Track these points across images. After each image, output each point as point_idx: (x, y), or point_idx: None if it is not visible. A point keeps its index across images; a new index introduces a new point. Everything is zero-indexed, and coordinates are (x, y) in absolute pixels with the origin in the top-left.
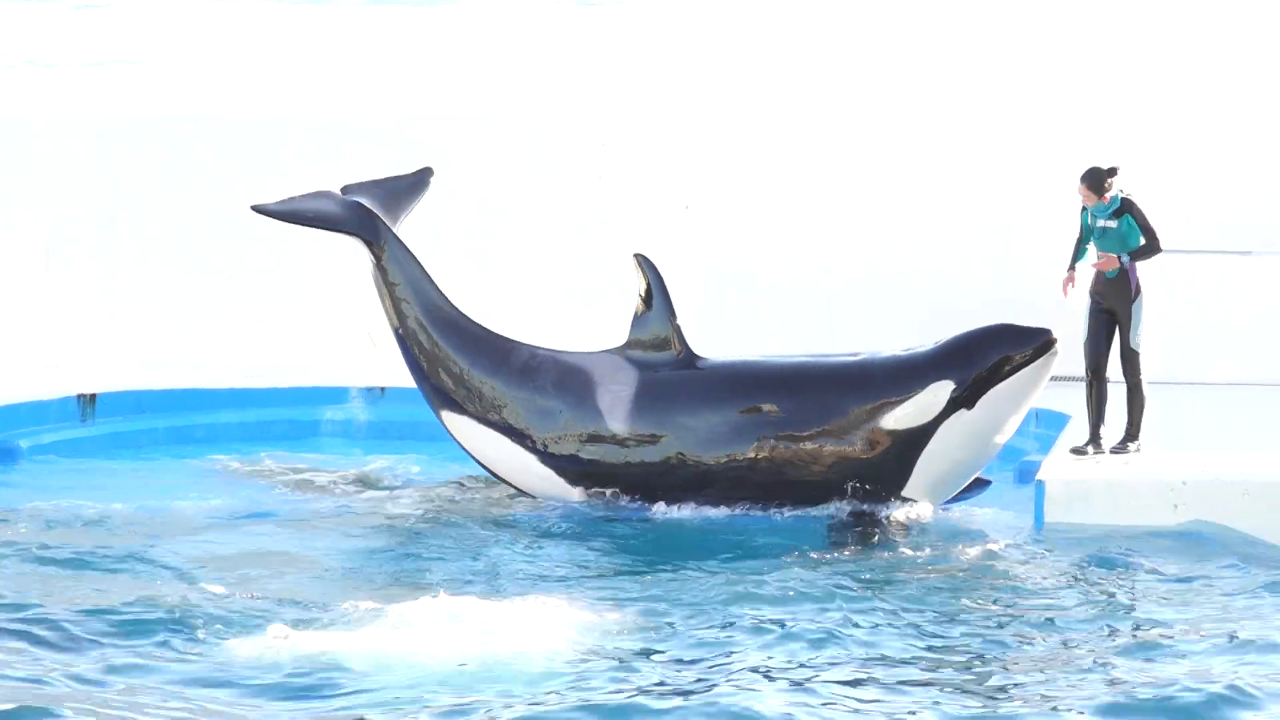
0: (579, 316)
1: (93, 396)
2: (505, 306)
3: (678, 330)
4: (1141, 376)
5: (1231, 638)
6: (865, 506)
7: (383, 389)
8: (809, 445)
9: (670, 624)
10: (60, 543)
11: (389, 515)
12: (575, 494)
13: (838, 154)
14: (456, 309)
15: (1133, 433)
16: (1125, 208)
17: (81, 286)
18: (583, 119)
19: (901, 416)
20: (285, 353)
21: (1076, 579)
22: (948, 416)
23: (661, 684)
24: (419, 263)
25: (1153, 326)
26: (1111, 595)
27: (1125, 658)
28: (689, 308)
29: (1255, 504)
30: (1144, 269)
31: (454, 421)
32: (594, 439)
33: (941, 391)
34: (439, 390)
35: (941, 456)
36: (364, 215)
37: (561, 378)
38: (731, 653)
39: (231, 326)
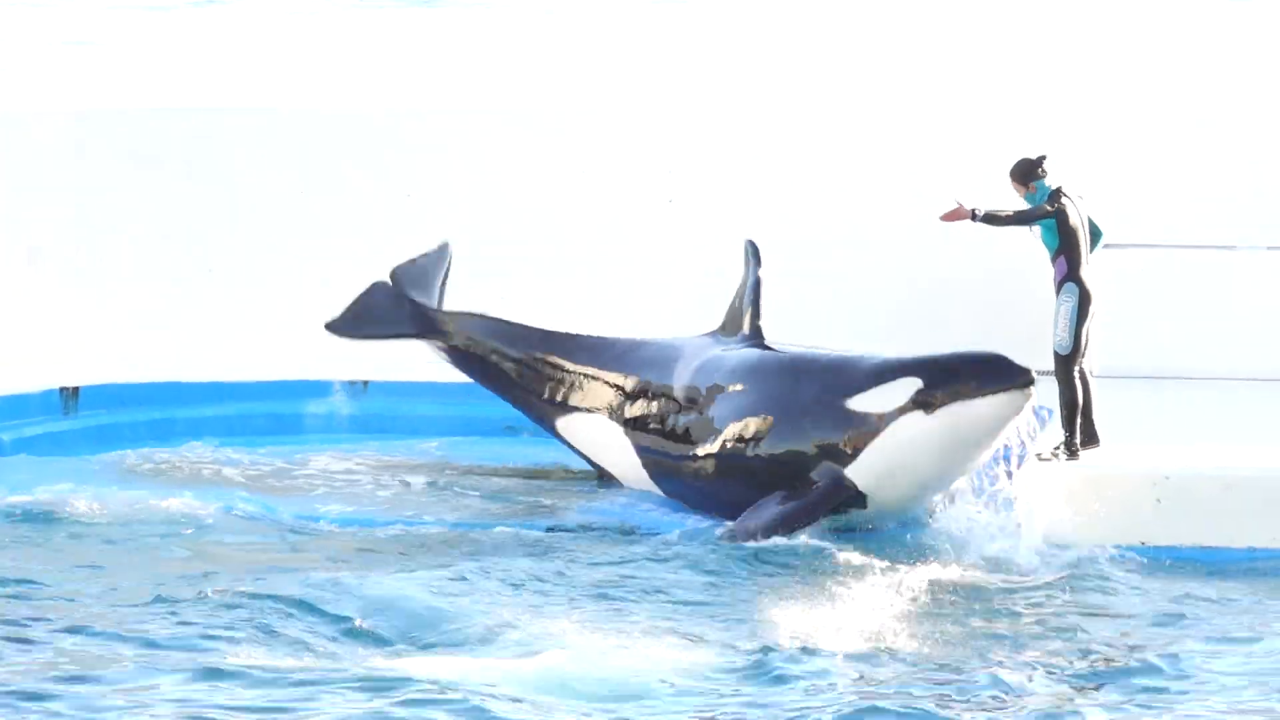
0: (563, 311)
1: (75, 390)
2: (492, 300)
3: (749, 313)
4: (1073, 380)
5: (1214, 632)
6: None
7: (365, 383)
8: (782, 423)
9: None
10: (43, 539)
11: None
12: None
13: (821, 147)
14: (538, 329)
15: (1067, 441)
16: (1051, 200)
17: (64, 279)
18: (568, 114)
19: (865, 400)
20: (268, 346)
21: (1059, 573)
22: (905, 413)
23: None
24: (484, 317)
25: (1135, 321)
26: (1094, 590)
27: (1105, 655)
28: (672, 301)
29: (1238, 498)
30: (1122, 265)
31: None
32: (653, 408)
33: (908, 387)
34: (552, 403)
35: (891, 453)
36: (417, 314)
37: (645, 356)
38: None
39: (214, 320)
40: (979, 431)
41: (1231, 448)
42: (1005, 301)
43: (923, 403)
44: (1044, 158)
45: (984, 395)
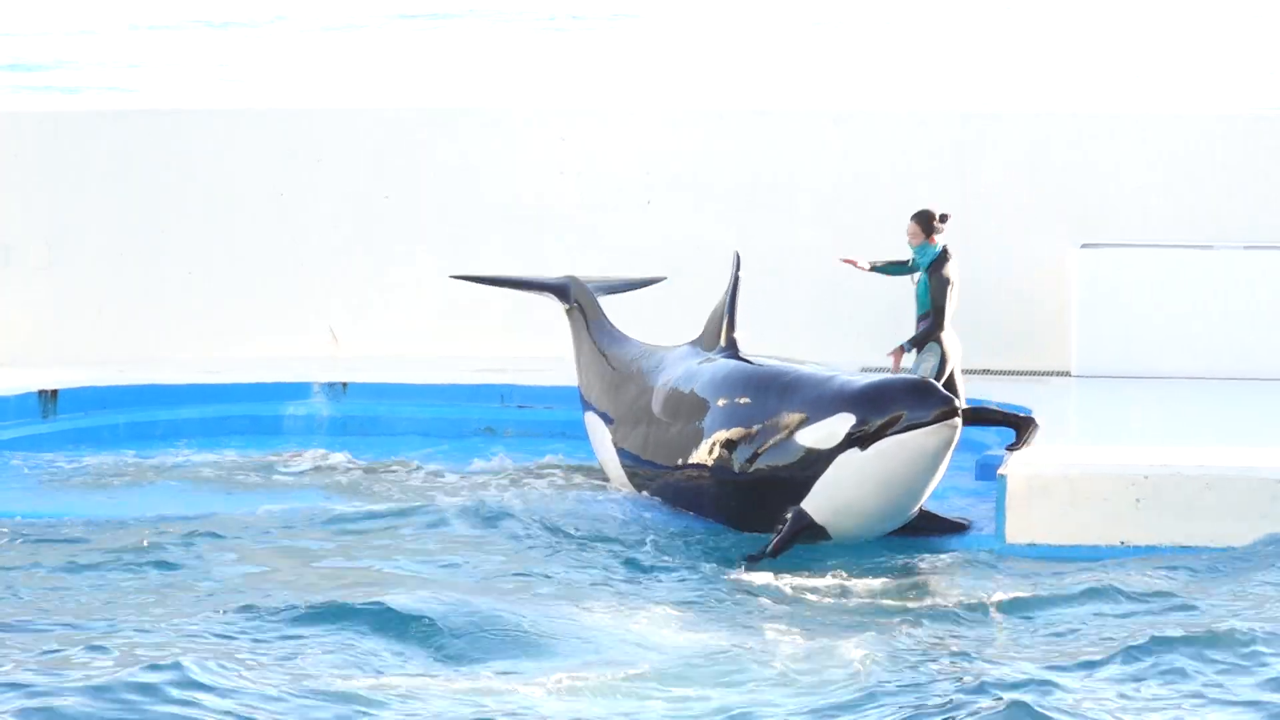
0: (538, 313)
1: (54, 392)
2: (468, 302)
3: (724, 324)
4: None
5: (1193, 634)
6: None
7: (344, 384)
8: (738, 445)
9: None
10: (25, 543)
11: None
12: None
13: (799, 151)
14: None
15: None
16: (936, 266)
17: (41, 281)
18: (546, 116)
19: (808, 435)
20: (247, 348)
21: (1038, 575)
22: (843, 450)
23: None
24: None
25: (1112, 321)
26: (1074, 592)
27: (1082, 658)
28: (649, 303)
29: (1217, 498)
30: (1100, 264)
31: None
32: (634, 418)
33: (842, 424)
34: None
35: (837, 487)
36: (561, 281)
37: (633, 361)
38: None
39: (193, 322)
40: (913, 464)
41: (1211, 447)
42: (990, 303)
43: (857, 439)
44: (946, 216)
45: (909, 430)
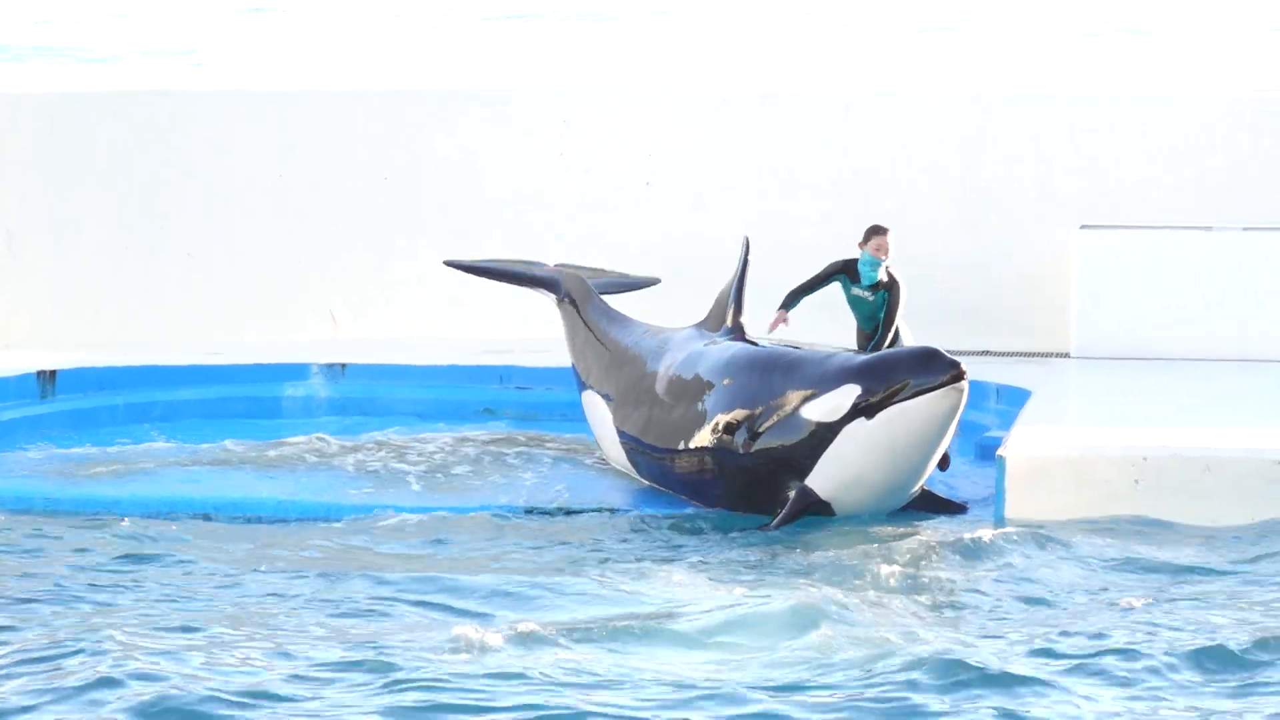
0: (538, 295)
1: (52, 373)
2: (468, 295)
3: (731, 308)
4: None
5: (1190, 616)
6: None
7: (343, 366)
8: (743, 424)
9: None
10: (19, 525)
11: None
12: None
13: (800, 134)
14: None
15: None
16: (894, 285)
17: (41, 263)
18: (546, 97)
19: (813, 409)
20: (246, 329)
21: (1037, 556)
22: (849, 421)
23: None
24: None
25: (1112, 303)
26: (1072, 573)
27: (1082, 639)
28: (649, 289)
29: (1217, 480)
30: (1100, 246)
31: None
32: (634, 399)
33: (848, 395)
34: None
35: (844, 460)
36: (552, 275)
37: (637, 343)
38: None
39: (192, 303)
40: (920, 430)
41: (1211, 429)
42: (990, 285)
43: (863, 409)
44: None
45: (917, 395)
